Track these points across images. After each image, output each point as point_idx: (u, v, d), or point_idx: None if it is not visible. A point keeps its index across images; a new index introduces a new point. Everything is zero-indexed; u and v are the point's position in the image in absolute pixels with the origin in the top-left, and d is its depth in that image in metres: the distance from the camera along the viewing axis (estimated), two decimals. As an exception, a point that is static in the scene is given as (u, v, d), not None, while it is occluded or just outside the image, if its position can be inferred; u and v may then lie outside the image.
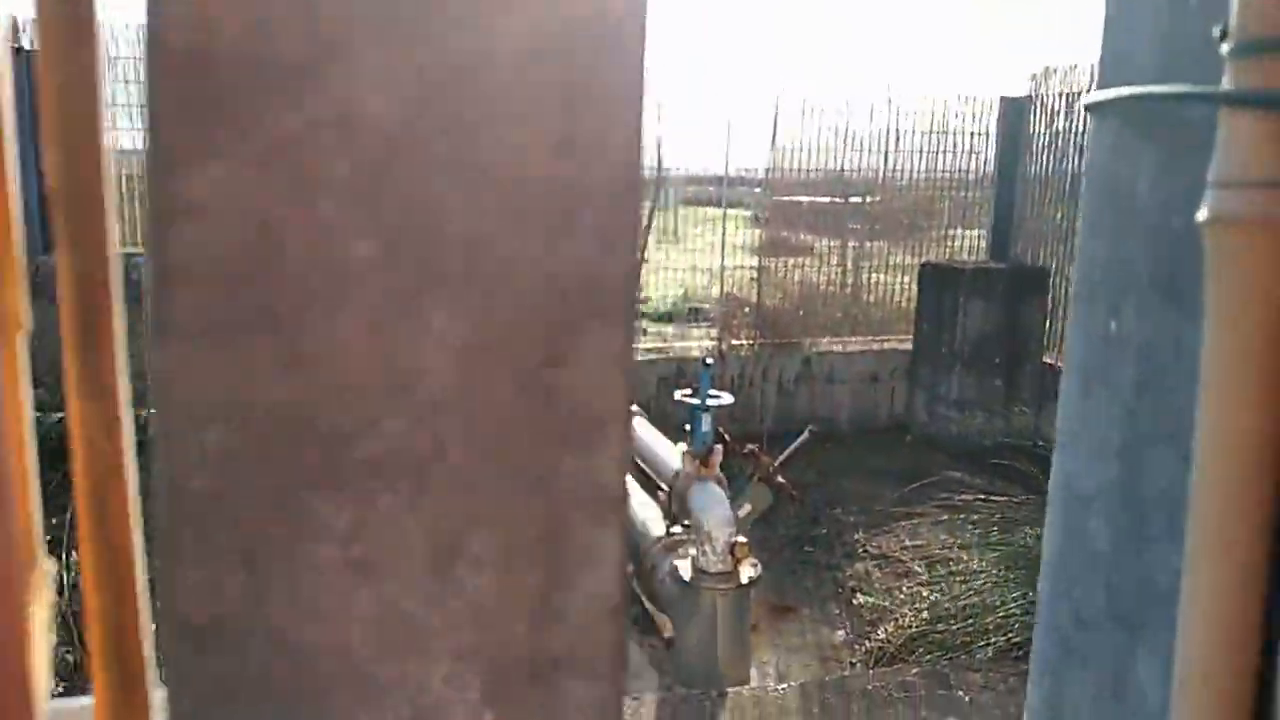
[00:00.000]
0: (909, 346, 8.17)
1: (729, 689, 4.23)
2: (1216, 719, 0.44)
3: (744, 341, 8.36)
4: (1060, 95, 7.66)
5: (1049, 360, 7.41)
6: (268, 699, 0.36)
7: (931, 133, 8.28)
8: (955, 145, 8.35)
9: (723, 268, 8.45)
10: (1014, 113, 8.11)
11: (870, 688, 4.25)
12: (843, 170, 8.34)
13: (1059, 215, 7.62)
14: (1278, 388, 0.43)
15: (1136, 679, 0.48)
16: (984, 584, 5.02)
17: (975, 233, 8.78)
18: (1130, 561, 0.48)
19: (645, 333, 9.17)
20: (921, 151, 8.35)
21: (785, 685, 4.39)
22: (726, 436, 5.24)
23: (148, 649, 0.36)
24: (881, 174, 8.46)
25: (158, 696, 0.36)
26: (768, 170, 8.23)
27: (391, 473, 0.37)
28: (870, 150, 8.29)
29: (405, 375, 0.37)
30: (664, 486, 5.10)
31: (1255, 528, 0.43)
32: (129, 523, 0.36)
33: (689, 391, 4.95)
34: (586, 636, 0.39)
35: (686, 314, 9.18)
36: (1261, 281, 0.41)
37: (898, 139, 8.29)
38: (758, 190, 8.71)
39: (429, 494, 0.38)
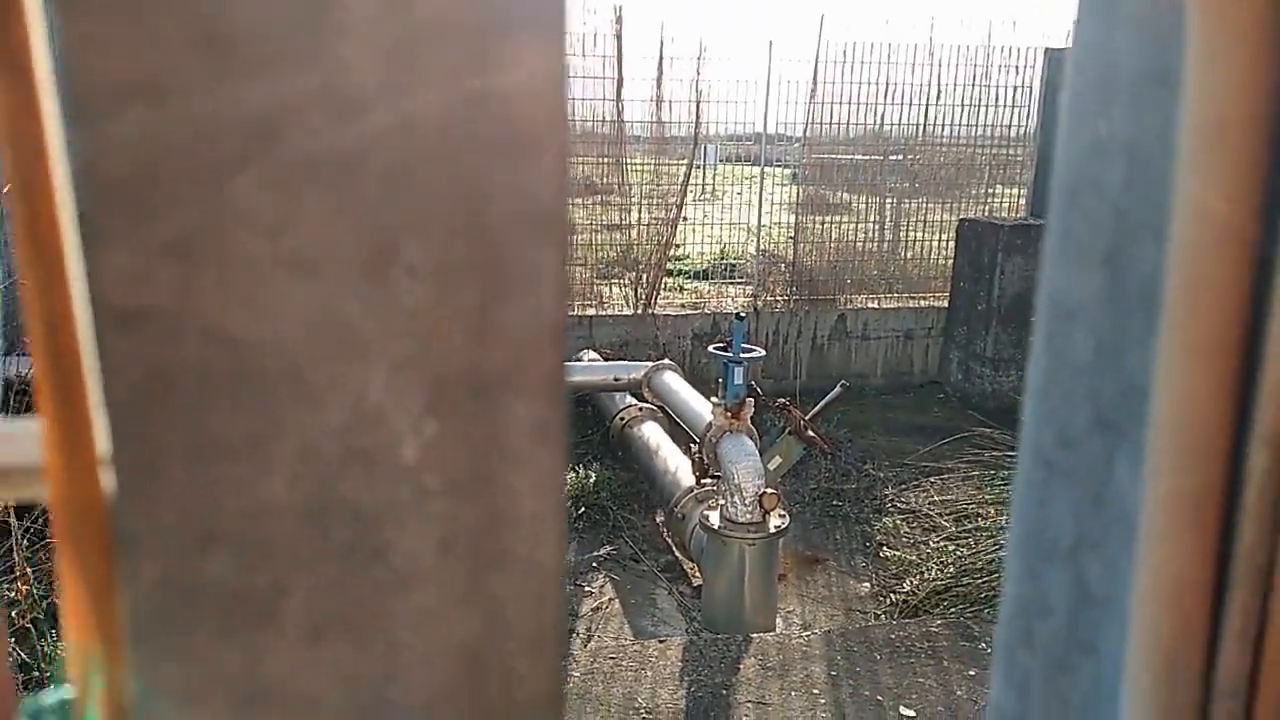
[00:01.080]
0: (945, 304, 8.06)
1: (754, 634, 4.26)
2: (1186, 505, 0.43)
3: (780, 298, 8.30)
4: (1109, 47, 7.41)
5: (1089, 320, 7.26)
6: (207, 390, 0.36)
7: (973, 86, 8.10)
8: (997, 99, 8.17)
9: (760, 225, 8.38)
10: (1058, 66, 7.90)
11: (894, 637, 4.24)
12: (882, 125, 8.20)
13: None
14: (1250, 165, 0.41)
15: (1116, 484, 0.46)
16: (1013, 540, 4.98)
17: (1015, 191, 8.60)
18: (1111, 367, 0.46)
19: (681, 289, 9.14)
20: (962, 105, 8.18)
21: (809, 632, 4.40)
22: (759, 390, 5.24)
23: (82, 338, 0.36)
24: (921, 129, 8.31)
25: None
26: (806, 125, 8.11)
27: (319, 170, 0.37)
28: (910, 104, 8.14)
29: (330, 69, 0.36)
30: (696, 439, 5.12)
31: (1224, 308, 0.41)
32: (55, 208, 0.35)
33: (722, 345, 4.95)
34: (526, 355, 0.39)
35: (723, 271, 9.13)
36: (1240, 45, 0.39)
37: (939, 93, 8.13)
38: (797, 145, 8.59)
39: (359, 195, 0.37)
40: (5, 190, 0.35)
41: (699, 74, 8.01)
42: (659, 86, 7.99)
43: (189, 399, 0.36)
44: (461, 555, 0.38)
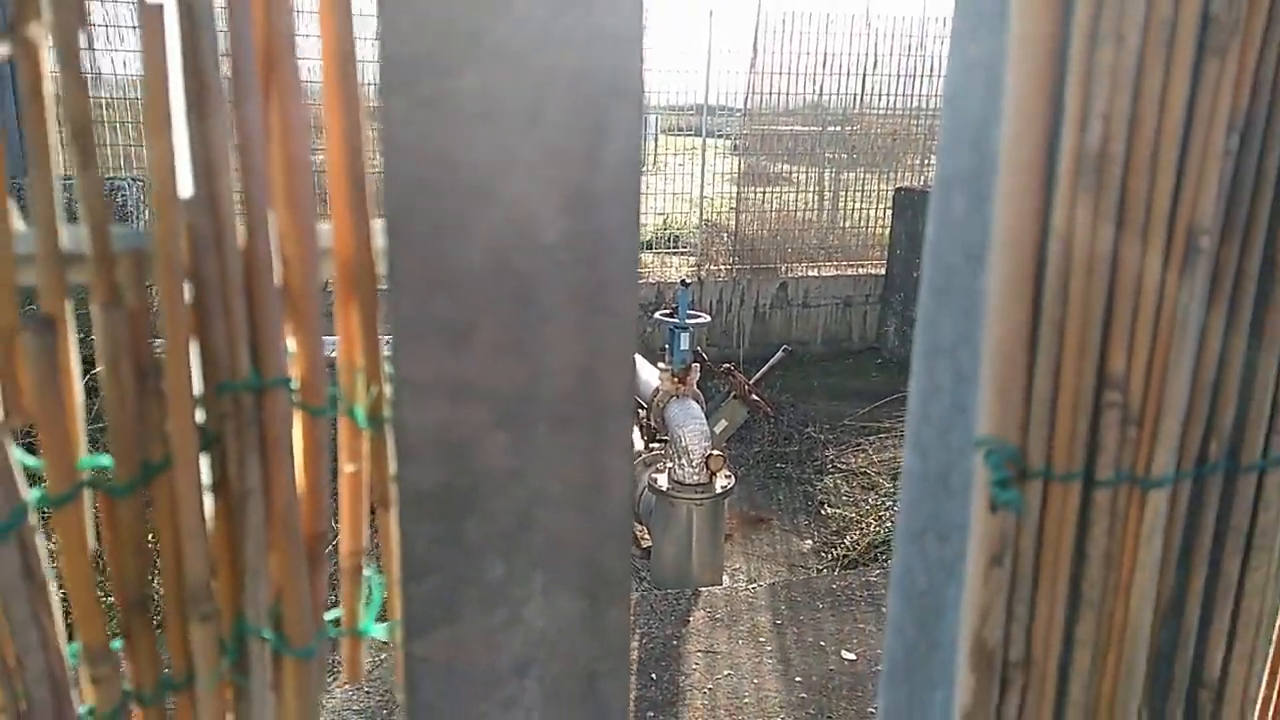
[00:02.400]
0: (883, 272, 8.31)
1: (702, 588, 4.43)
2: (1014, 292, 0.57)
3: (722, 268, 8.46)
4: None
5: (1019, 285, 7.55)
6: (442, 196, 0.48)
7: (909, 56, 8.31)
8: (932, 69, 8.39)
9: (702, 196, 8.51)
10: (991, 39, 8.10)
11: (835, 587, 4.45)
12: (820, 95, 8.37)
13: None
14: (1046, 68, 0.55)
15: (984, 297, 0.60)
16: (949, 494, 5.23)
17: (950, 161, 8.80)
18: (980, 215, 0.60)
19: (624, 260, 9.18)
20: (898, 76, 8.38)
21: (755, 584, 4.59)
22: (704, 357, 5.38)
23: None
24: (859, 100, 8.49)
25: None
26: (747, 96, 8.24)
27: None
28: (848, 74, 8.31)
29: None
30: (643, 405, 5.25)
31: (1034, 164, 0.56)
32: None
33: (668, 311, 5.08)
34: (623, 179, 0.51)
35: (666, 242, 9.26)
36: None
37: (875, 63, 8.32)
38: (737, 116, 8.73)
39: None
40: None
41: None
42: (601, 58, 8.00)
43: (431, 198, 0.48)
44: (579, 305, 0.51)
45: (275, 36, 0.45)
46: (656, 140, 10.86)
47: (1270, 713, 0.75)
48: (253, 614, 0.48)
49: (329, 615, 0.53)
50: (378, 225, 0.48)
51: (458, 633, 0.53)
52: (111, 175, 6.41)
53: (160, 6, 0.41)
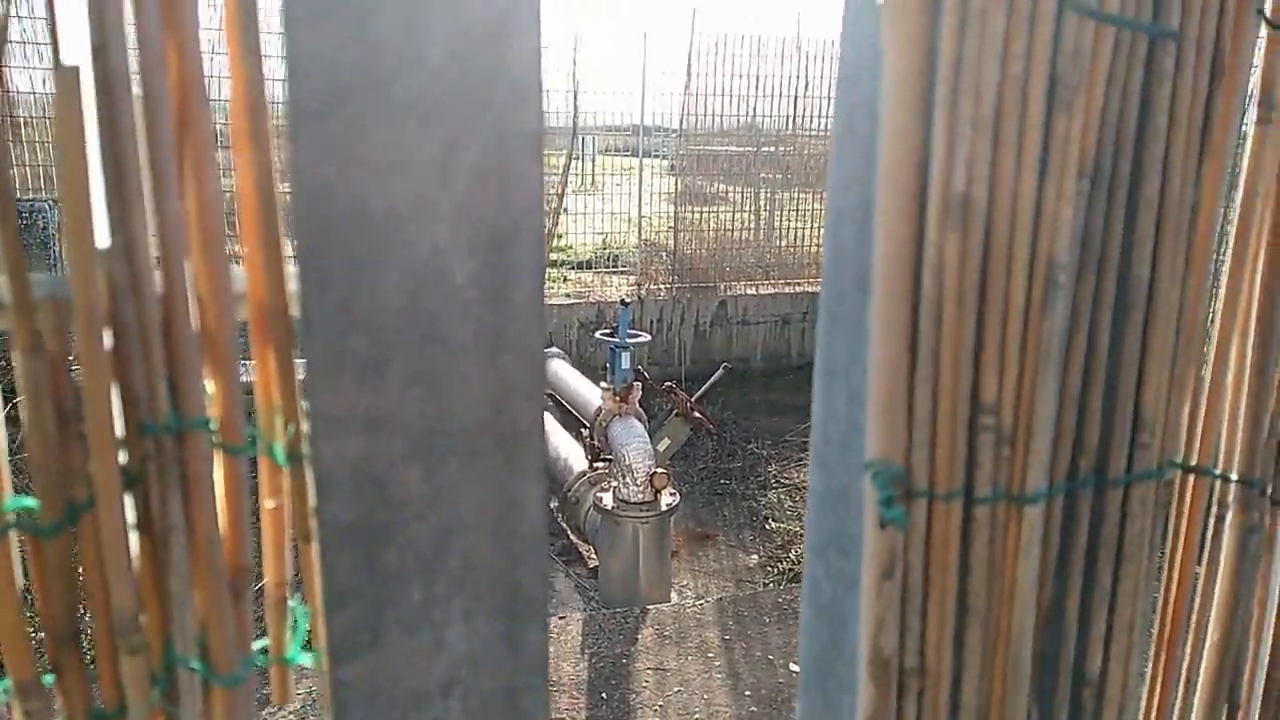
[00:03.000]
0: (819, 290, 8.46)
1: (650, 606, 4.46)
2: (894, 330, 0.62)
3: (662, 287, 8.54)
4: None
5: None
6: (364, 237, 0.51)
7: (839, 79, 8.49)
8: (863, 93, 8.56)
9: (640, 216, 8.59)
10: (919, 61, 8.35)
11: (781, 601, 4.52)
12: (754, 117, 8.53)
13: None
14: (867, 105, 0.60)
15: (868, 325, 0.65)
16: (888, 506, 5.35)
17: (883, 179, 9.03)
18: (867, 246, 0.65)
19: (565, 279, 9.28)
20: (830, 97, 8.58)
21: (703, 600, 4.63)
22: (645, 375, 5.43)
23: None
24: (791, 121, 8.67)
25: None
26: (682, 117, 8.36)
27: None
28: (780, 95, 8.48)
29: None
30: (586, 424, 5.28)
31: (908, 182, 0.61)
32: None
33: (609, 331, 5.12)
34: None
35: (606, 261, 9.31)
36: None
37: (807, 85, 8.50)
38: (674, 137, 8.84)
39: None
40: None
41: (575, 64, 8.16)
42: (538, 80, 8.06)
43: (346, 242, 0.51)
44: (487, 341, 0.54)
45: (186, 83, 0.48)
46: (594, 160, 10.93)
47: (1154, 711, 0.81)
48: (180, 644, 0.50)
49: (257, 645, 0.55)
50: (290, 267, 0.51)
51: (381, 657, 0.55)
52: (31, 197, 6.27)
53: (76, 67, 0.44)
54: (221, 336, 0.49)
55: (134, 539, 0.51)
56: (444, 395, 0.54)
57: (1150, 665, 0.80)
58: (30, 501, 0.50)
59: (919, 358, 0.61)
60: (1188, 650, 0.83)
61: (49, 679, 0.52)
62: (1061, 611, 0.68)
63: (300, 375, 0.52)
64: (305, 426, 0.52)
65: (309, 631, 0.56)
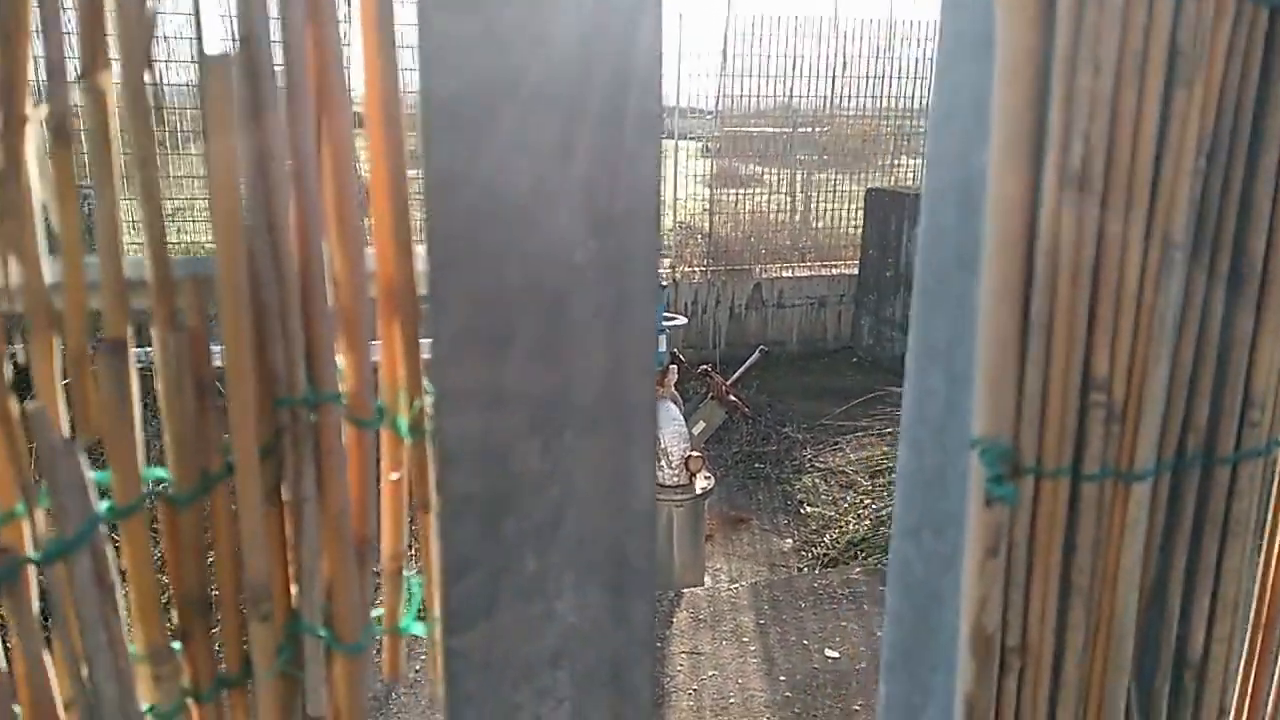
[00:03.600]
0: (855, 272, 8.40)
1: (685, 590, 4.47)
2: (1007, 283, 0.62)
3: (697, 269, 8.52)
4: (1002, 23, 7.80)
5: (989, 283, 7.69)
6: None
7: (877, 58, 8.42)
8: (900, 71, 8.50)
9: (675, 199, 8.57)
10: (958, 41, 8.25)
11: (816, 586, 4.51)
12: (790, 98, 8.46)
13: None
14: (1027, 89, 0.60)
15: (976, 301, 0.65)
16: (925, 490, 5.32)
17: (919, 161, 8.98)
18: (970, 224, 0.64)
19: (599, 263, 9.26)
20: (867, 78, 8.49)
21: (737, 584, 4.64)
22: (681, 358, 5.43)
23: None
24: (829, 102, 8.59)
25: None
26: (718, 98, 8.31)
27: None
28: (818, 76, 8.41)
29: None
30: (620, 407, 5.28)
31: (1023, 172, 0.60)
32: None
33: (643, 314, 5.11)
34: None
35: (639, 244, 9.29)
36: None
37: (844, 65, 8.42)
38: (709, 119, 8.79)
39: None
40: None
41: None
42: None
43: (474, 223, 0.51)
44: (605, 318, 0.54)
45: (325, 69, 0.48)
46: (629, 144, 10.89)
47: (1249, 691, 0.80)
48: (308, 612, 0.51)
49: (372, 615, 0.56)
50: (418, 248, 0.52)
51: (496, 627, 0.56)
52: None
53: (227, 56, 0.45)
54: (355, 314, 0.50)
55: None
56: (563, 370, 0.55)
57: (1246, 647, 0.80)
58: (163, 472, 0.51)
59: (1030, 334, 0.61)
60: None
61: (177, 645, 0.53)
62: (1164, 591, 0.68)
63: (425, 353, 0.52)
64: (429, 402, 0.53)
65: (423, 603, 0.57)
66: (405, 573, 0.58)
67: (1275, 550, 0.77)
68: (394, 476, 0.56)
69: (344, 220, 0.48)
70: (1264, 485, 0.67)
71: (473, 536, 0.55)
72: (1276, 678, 0.79)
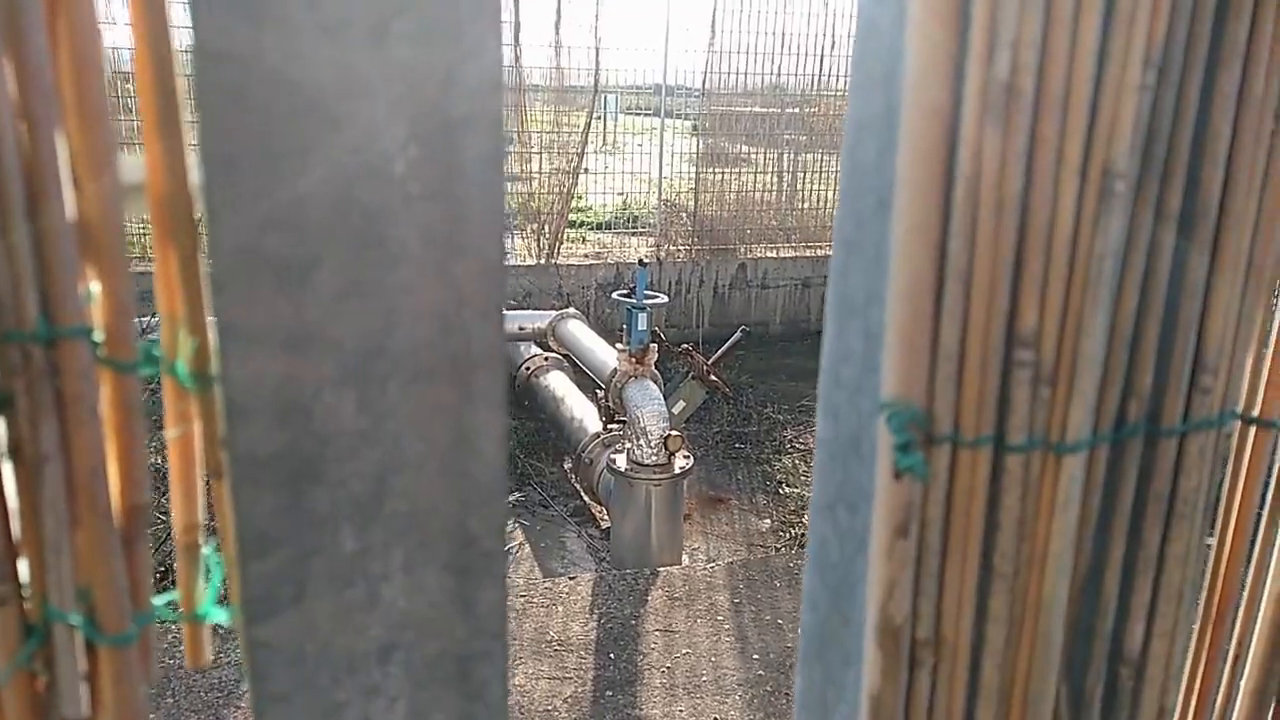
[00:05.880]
0: (842, 253, 8.32)
1: (661, 568, 4.41)
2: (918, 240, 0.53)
3: (682, 249, 8.41)
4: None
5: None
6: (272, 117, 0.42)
7: None
8: (891, 52, 8.37)
9: (661, 177, 8.45)
10: (949, 20, 8.16)
11: (792, 566, 4.45)
12: (779, 76, 8.34)
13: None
14: None
15: (889, 248, 0.56)
16: (905, 473, 5.29)
17: (909, 142, 8.87)
18: (891, 161, 0.56)
19: (584, 240, 9.16)
20: (857, 57, 8.35)
21: (714, 563, 4.58)
22: (662, 337, 5.34)
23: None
24: (816, 81, 8.47)
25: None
26: (705, 75, 8.18)
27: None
28: (806, 54, 8.28)
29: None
30: (602, 386, 5.21)
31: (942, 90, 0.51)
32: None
33: (626, 291, 5.02)
34: (479, 103, 0.45)
35: (625, 222, 9.19)
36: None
37: (833, 43, 8.29)
38: (696, 97, 8.67)
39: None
40: None
41: (598, 19, 7.98)
42: (557, 31, 7.93)
43: (259, 120, 0.42)
44: (436, 245, 0.45)
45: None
46: (616, 120, 10.77)
47: (1195, 691, 0.72)
48: (55, 596, 0.43)
49: (166, 598, 0.48)
50: (193, 153, 0.43)
51: (306, 615, 0.48)
52: None
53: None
54: (104, 224, 0.40)
55: (5, 471, 0.43)
56: (381, 308, 0.46)
57: (1194, 643, 0.72)
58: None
59: (947, 280, 0.52)
60: (1236, 628, 0.74)
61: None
62: (1100, 578, 0.60)
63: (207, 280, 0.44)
64: (213, 342, 0.44)
65: (224, 584, 0.49)
66: (203, 549, 0.49)
67: (1229, 535, 0.68)
68: (173, 433, 0.47)
69: (85, 99, 0.39)
70: (1215, 461, 0.59)
71: (272, 508, 0.46)
72: (1224, 677, 0.71)
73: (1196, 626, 0.71)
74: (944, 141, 0.52)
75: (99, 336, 0.42)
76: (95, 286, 0.42)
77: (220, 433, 0.44)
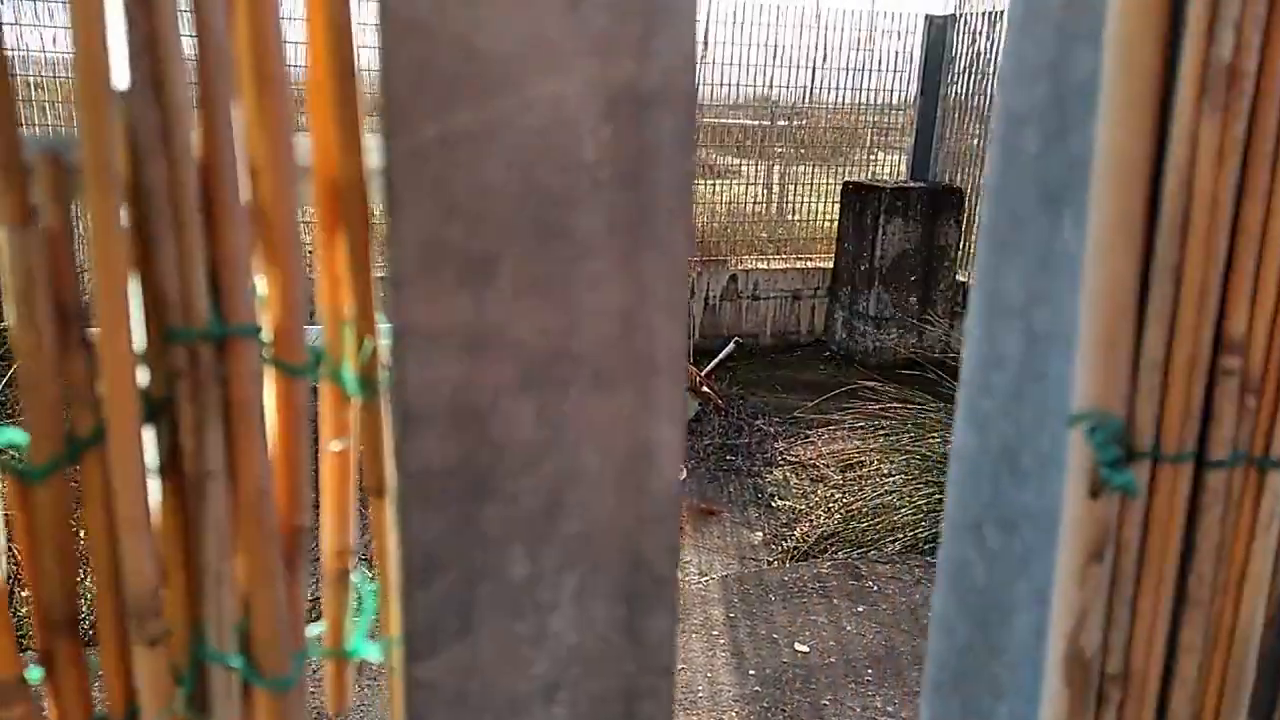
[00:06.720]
0: (830, 265, 8.32)
1: (655, 584, 4.35)
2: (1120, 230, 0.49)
3: (669, 259, 8.38)
4: (983, 14, 7.78)
5: (962, 278, 7.64)
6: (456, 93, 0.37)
7: (857, 50, 8.33)
8: (880, 64, 8.43)
9: (648, 186, 8.43)
10: (938, 32, 8.21)
11: (786, 579, 4.41)
12: (770, 88, 8.35)
13: (976, 138, 7.82)
14: None
15: (1064, 246, 0.52)
16: (893, 485, 5.24)
17: (896, 156, 8.93)
18: (1058, 152, 0.52)
19: (570, 251, 9.09)
20: (847, 69, 8.40)
21: (707, 577, 4.52)
22: (652, 348, 5.30)
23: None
24: (808, 93, 8.49)
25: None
26: (698, 86, 8.18)
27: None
28: (798, 66, 8.30)
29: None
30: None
31: (1147, 86, 0.47)
32: None
33: (616, 301, 4.98)
34: (672, 77, 0.41)
35: (612, 233, 9.17)
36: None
37: (824, 56, 8.32)
38: (684, 107, 8.66)
39: None
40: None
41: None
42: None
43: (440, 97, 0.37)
44: (623, 235, 0.40)
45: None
46: (603, 131, 10.74)
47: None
48: (214, 633, 0.37)
49: (309, 632, 0.42)
50: (371, 133, 0.38)
51: (472, 650, 0.42)
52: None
53: None
54: (280, 215, 0.35)
55: (155, 488, 0.37)
56: (566, 306, 0.41)
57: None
58: (17, 434, 0.37)
59: (1153, 280, 0.48)
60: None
61: (35, 674, 0.39)
62: (1289, 605, 0.56)
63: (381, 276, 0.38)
64: (385, 344, 0.39)
65: (377, 616, 0.43)
66: (354, 577, 0.44)
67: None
68: (336, 446, 0.42)
69: (264, 75, 0.34)
70: None
71: (442, 529, 0.41)
72: None
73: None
74: (1150, 130, 0.48)
75: (266, 337, 0.37)
76: (263, 281, 0.37)
77: (386, 445, 0.39)
